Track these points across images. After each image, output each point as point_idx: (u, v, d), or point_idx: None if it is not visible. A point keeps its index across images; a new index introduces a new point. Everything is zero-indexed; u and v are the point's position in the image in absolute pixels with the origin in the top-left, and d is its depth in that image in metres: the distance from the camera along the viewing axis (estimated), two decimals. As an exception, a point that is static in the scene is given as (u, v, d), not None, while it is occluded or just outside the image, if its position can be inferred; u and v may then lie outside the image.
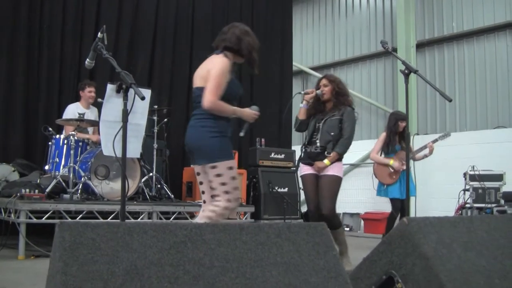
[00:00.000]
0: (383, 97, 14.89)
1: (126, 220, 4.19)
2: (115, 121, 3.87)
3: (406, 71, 5.13)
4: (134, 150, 4.14)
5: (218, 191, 4.71)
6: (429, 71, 13.84)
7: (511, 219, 3.75)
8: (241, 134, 5.07)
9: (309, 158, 6.45)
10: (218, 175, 4.69)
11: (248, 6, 12.84)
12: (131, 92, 3.83)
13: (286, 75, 13.66)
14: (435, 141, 8.62)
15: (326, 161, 6.28)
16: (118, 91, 3.90)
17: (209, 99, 4.60)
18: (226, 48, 4.91)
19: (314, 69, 16.65)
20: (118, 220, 3.88)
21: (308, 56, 17.04)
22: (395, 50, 13.67)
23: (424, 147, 8.42)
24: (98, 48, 4.31)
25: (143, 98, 3.73)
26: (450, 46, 13.50)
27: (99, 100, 7.83)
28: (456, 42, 13.37)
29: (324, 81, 6.60)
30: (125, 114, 3.74)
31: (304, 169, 6.51)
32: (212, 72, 4.67)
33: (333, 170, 6.30)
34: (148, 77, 10.97)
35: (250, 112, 4.99)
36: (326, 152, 6.34)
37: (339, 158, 6.39)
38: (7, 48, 9.31)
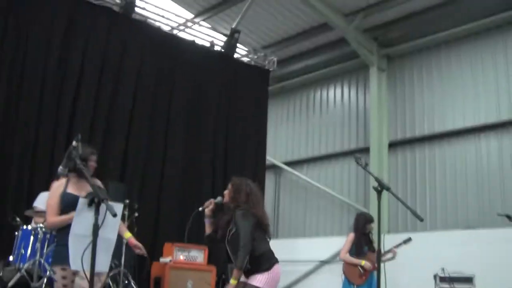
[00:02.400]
0: (355, 194, 14.96)
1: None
2: (85, 235, 3.84)
3: (379, 188, 5.16)
4: (103, 264, 4.10)
5: None
6: (401, 170, 13.99)
7: None
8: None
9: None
10: None
11: (224, 99, 12.94)
12: (103, 206, 3.82)
13: (259, 169, 13.66)
14: (398, 246, 8.74)
15: (232, 280, 5.64)
16: (89, 205, 3.90)
17: (46, 221, 5.56)
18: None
19: (288, 164, 16.75)
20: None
21: (281, 151, 17.15)
22: (368, 148, 13.88)
23: (389, 251, 8.54)
24: (72, 157, 4.34)
25: (115, 215, 3.73)
26: (422, 147, 13.70)
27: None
28: (428, 143, 13.58)
29: (228, 185, 6.18)
30: (96, 228, 3.73)
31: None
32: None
33: (255, 280, 5.65)
34: (121, 167, 10.89)
35: None
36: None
37: (259, 269, 5.70)
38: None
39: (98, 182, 5.46)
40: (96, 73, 10.72)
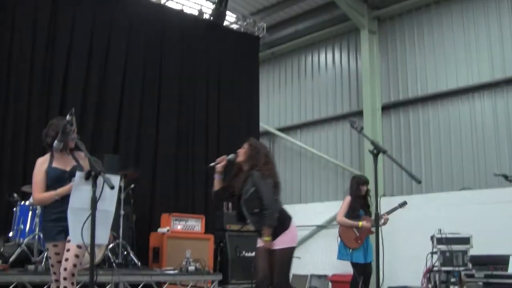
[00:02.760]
0: (350, 158, 14.97)
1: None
2: (83, 208, 3.82)
3: (375, 151, 5.11)
4: (102, 237, 4.08)
5: None
6: (395, 133, 13.98)
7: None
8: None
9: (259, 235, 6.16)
10: None
11: (215, 67, 12.86)
12: (100, 179, 3.79)
13: (253, 136, 13.57)
14: (392, 210, 8.75)
15: (266, 238, 5.96)
16: (87, 178, 3.87)
17: (32, 198, 5.53)
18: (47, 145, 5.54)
19: (281, 130, 16.74)
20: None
21: (274, 118, 17.12)
22: (361, 112, 13.84)
23: (380, 217, 8.53)
24: (66, 131, 4.30)
25: (112, 187, 3.70)
26: (415, 109, 13.68)
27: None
28: (421, 105, 13.56)
29: (244, 145, 6.33)
30: (94, 202, 3.70)
31: (258, 242, 6.21)
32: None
33: (280, 243, 6.04)
34: (114, 140, 10.84)
35: (70, 186, 5.14)
36: (262, 232, 6.03)
37: (282, 227, 6.07)
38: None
39: (82, 155, 5.36)
40: (86, 46, 10.63)
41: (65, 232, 5.17)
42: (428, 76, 13.48)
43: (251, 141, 6.37)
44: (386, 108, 14.16)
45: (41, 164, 5.45)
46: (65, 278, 5.17)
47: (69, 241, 5.17)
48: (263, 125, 15.64)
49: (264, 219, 5.91)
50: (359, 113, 14.32)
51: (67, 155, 5.37)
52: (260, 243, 6.16)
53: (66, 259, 5.20)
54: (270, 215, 5.89)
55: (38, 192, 5.36)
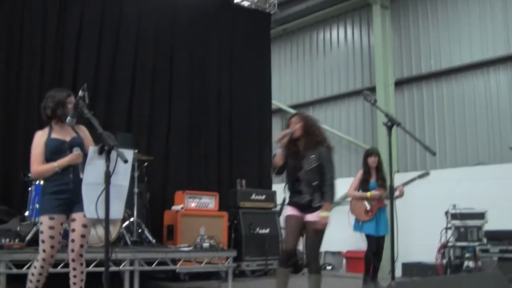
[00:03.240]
0: (363, 134, 14.93)
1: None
2: (97, 183, 3.81)
3: (389, 124, 5.06)
4: (117, 211, 4.08)
5: None
6: (408, 109, 13.91)
7: (498, 276, 3.71)
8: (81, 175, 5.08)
9: (297, 208, 6.26)
10: None
11: (226, 45, 12.79)
12: (114, 153, 3.77)
13: (265, 114, 13.59)
14: (410, 181, 8.69)
15: (325, 213, 6.12)
16: (100, 153, 3.85)
17: (31, 171, 5.34)
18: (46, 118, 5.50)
19: (293, 107, 16.67)
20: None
21: (286, 95, 17.08)
22: (373, 88, 13.75)
23: (395, 189, 8.48)
24: (79, 107, 4.29)
25: (126, 161, 3.68)
26: (428, 84, 13.60)
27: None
28: (435, 80, 13.47)
29: (294, 119, 6.40)
30: (108, 176, 3.69)
31: (289, 210, 6.29)
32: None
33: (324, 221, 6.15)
34: (127, 119, 10.83)
35: (71, 156, 5.19)
36: (313, 203, 6.15)
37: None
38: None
39: (82, 127, 5.43)
40: (97, 24, 10.57)
41: (65, 205, 5.20)
42: (442, 50, 13.37)
43: (301, 115, 6.53)
44: (399, 84, 14.08)
45: (40, 137, 5.36)
46: (73, 260, 5.18)
47: (74, 219, 5.20)
48: (275, 102, 15.60)
49: (326, 195, 6.13)
50: (372, 89, 14.24)
51: (67, 126, 5.29)
52: (292, 211, 6.24)
53: (73, 240, 5.19)
54: (331, 191, 6.17)
55: (37, 164, 5.27)
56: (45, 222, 5.15)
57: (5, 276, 6.47)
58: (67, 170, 5.20)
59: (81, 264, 5.24)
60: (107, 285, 3.95)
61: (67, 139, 5.30)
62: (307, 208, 6.18)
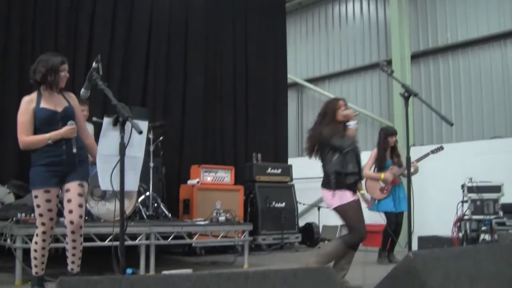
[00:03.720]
0: (379, 108, 14.85)
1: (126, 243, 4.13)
2: (112, 154, 3.79)
3: (406, 94, 5.01)
4: (132, 183, 4.07)
5: None
6: (424, 82, 13.81)
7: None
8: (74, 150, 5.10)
9: (353, 191, 6.21)
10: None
11: (241, 19, 12.76)
12: (128, 125, 3.75)
13: (281, 88, 13.59)
14: (424, 156, 8.67)
15: (362, 191, 6.43)
16: (114, 124, 3.83)
17: (19, 140, 5.04)
18: (34, 82, 5.23)
19: (309, 81, 16.63)
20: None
21: (302, 68, 16.99)
22: (389, 61, 13.64)
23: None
24: (93, 78, 4.26)
25: (140, 132, 3.67)
26: (445, 57, 13.48)
27: (94, 119, 7.78)
28: (451, 53, 13.34)
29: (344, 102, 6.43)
30: (122, 147, 3.67)
31: (350, 195, 6.15)
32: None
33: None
34: (142, 94, 10.87)
35: (66, 130, 5.03)
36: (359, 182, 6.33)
37: None
38: (-1, 68, 9.23)
39: (72, 95, 5.27)
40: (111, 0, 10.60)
41: (59, 177, 5.07)
42: (458, 23, 13.23)
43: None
44: (415, 57, 13.95)
45: (28, 103, 5.07)
46: (73, 232, 5.06)
47: (68, 190, 5.06)
48: (291, 76, 15.58)
49: (361, 174, 6.29)
50: (388, 63, 14.11)
51: (57, 94, 5.09)
52: (353, 196, 6.19)
53: (71, 211, 5.04)
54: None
55: (25, 134, 5.00)
56: (40, 195, 5.00)
57: (21, 250, 6.45)
58: (59, 142, 5.02)
59: (81, 235, 5.14)
60: (122, 259, 3.93)
61: (59, 109, 5.10)
62: (354, 187, 6.22)
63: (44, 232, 5.07)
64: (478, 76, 12.78)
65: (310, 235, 11.88)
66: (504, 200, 10.00)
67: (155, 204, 9.00)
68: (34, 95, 5.12)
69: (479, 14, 12.79)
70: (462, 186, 10.32)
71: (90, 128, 8.38)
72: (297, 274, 2.62)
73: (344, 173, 6.06)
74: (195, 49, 11.72)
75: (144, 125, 3.94)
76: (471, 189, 10.17)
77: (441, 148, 8.88)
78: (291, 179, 11.65)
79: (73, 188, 5.04)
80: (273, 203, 10.86)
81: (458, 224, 10.14)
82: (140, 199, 8.51)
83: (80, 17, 10.13)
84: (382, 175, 8.63)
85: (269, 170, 11.25)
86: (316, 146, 6.28)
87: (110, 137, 3.87)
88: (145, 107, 10.55)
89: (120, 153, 3.67)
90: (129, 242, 7.13)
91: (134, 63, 10.80)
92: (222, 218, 8.60)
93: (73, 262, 5.16)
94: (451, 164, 11.68)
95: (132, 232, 7.38)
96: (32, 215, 6.92)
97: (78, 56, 9.92)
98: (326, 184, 6.14)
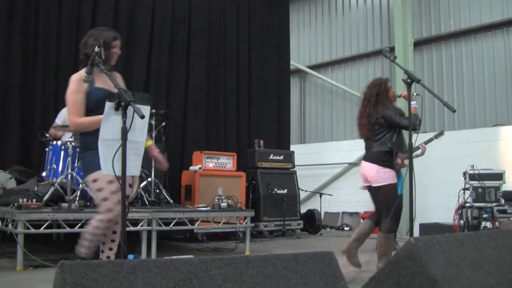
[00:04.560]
0: (381, 95, 14.82)
1: (128, 228, 4.08)
2: (114, 139, 3.76)
3: (409, 81, 5.00)
4: (134, 168, 4.05)
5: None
6: (427, 69, 13.79)
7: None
8: None
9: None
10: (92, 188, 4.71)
11: (244, 6, 12.75)
12: (130, 109, 3.74)
13: (283, 74, 13.59)
14: (428, 141, 8.63)
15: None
16: (116, 109, 3.81)
17: (70, 122, 4.72)
18: (84, 56, 4.82)
19: (312, 67, 16.62)
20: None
21: (305, 55, 16.97)
22: (392, 48, 13.61)
23: (417, 148, 8.39)
24: (95, 63, 4.22)
25: (142, 117, 3.65)
26: (447, 44, 13.45)
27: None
28: (454, 40, 13.31)
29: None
30: (124, 132, 3.66)
31: (393, 177, 6.38)
32: (66, 94, 4.72)
33: None
34: (145, 79, 10.87)
35: None
36: None
37: None
38: (1, 54, 9.20)
39: (119, 77, 4.90)
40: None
41: None
42: (461, 10, 13.19)
43: None
44: (418, 44, 13.92)
45: (80, 82, 4.58)
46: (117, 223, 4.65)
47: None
48: (294, 63, 15.59)
49: None
50: (391, 50, 14.10)
51: (103, 73, 4.50)
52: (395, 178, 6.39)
53: (130, 185, 4.72)
54: None
55: (77, 114, 4.61)
56: (102, 177, 4.46)
57: (22, 235, 6.47)
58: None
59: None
60: (124, 244, 3.91)
61: (114, 90, 4.40)
62: None
63: (109, 220, 4.59)
64: (480, 63, 12.76)
65: (311, 222, 11.90)
66: (505, 187, 10.00)
67: (157, 190, 9.01)
68: (82, 74, 4.57)
69: (482, 1, 12.75)
70: (464, 173, 10.31)
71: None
72: (298, 258, 2.63)
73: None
74: (198, 36, 11.71)
75: (146, 109, 3.92)
76: (472, 177, 10.16)
77: (442, 133, 8.85)
78: (293, 166, 11.65)
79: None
80: (275, 189, 10.86)
81: (460, 211, 10.14)
82: (142, 185, 8.53)
83: (82, 4, 10.11)
84: None
85: (271, 157, 11.25)
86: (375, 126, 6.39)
87: (112, 122, 3.83)
88: (148, 92, 10.55)
89: (122, 137, 3.65)
90: (130, 228, 7.13)
91: (137, 49, 10.80)
92: (224, 204, 8.59)
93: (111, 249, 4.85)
94: (453, 151, 11.70)
95: (133, 217, 7.39)
96: (34, 200, 6.96)
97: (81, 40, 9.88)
98: (381, 162, 6.30)
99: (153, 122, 9.10)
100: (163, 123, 9.47)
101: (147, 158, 4.82)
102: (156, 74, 11.06)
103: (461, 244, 3.24)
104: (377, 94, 6.36)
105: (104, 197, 4.55)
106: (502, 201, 9.81)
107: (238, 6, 12.64)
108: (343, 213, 14.23)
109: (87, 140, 4.67)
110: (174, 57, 11.32)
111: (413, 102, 6.16)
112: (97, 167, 4.29)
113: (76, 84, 4.64)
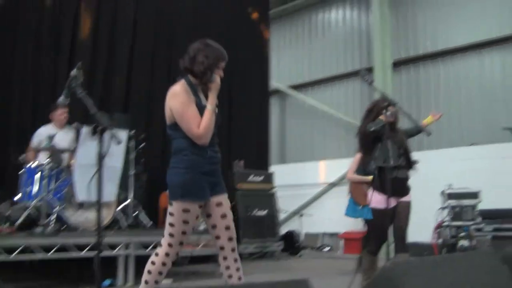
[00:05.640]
0: (361, 115, 14.78)
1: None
2: (90, 164, 3.74)
3: (385, 104, 5.06)
4: (110, 193, 4.05)
5: (165, 231, 4.33)
6: (406, 89, 13.92)
7: (492, 254, 3.72)
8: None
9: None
10: (170, 214, 4.30)
11: (226, 26, 12.75)
12: (107, 134, 3.70)
13: (264, 94, 13.61)
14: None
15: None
16: (93, 134, 3.77)
17: (196, 136, 4.25)
18: (185, 70, 4.49)
19: (292, 88, 16.71)
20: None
21: (285, 75, 17.01)
22: (371, 69, 13.72)
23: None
24: (72, 86, 4.15)
25: (119, 143, 3.63)
26: (426, 65, 13.61)
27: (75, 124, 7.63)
28: (432, 61, 13.48)
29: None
30: (100, 157, 3.63)
31: (378, 201, 6.36)
32: (173, 110, 4.36)
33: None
34: (124, 100, 10.80)
35: (217, 82, 4.48)
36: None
37: None
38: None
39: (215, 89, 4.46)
40: (95, 2, 10.60)
41: (210, 189, 4.37)
42: (438, 32, 13.38)
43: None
44: (396, 64, 14.06)
45: (187, 93, 4.31)
46: (233, 250, 4.45)
47: (220, 203, 4.44)
48: (274, 83, 15.60)
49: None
50: (370, 70, 14.21)
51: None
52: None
53: (228, 227, 4.43)
54: None
55: (198, 126, 4.22)
56: (193, 210, 4.23)
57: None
58: (215, 145, 4.46)
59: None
60: (98, 270, 3.83)
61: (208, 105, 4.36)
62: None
63: (170, 254, 4.35)
64: (457, 84, 12.94)
65: (291, 243, 11.89)
66: (482, 206, 10.07)
67: (136, 212, 8.93)
68: (186, 85, 4.36)
69: (459, 23, 12.97)
70: (442, 192, 10.39)
71: (69, 131, 8.20)
72: (276, 287, 2.61)
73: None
74: (180, 55, 11.62)
75: (123, 134, 3.91)
76: (450, 196, 10.23)
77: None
78: (273, 187, 11.63)
79: (225, 201, 4.46)
80: (255, 211, 10.83)
81: (438, 230, 10.19)
82: (119, 208, 8.43)
83: (63, 18, 10.07)
84: (371, 177, 8.60)
85: (250, 178, 11.21)
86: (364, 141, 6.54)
87: (88, 146, 3.83)
88: (127, 112, 10.47)
89: (98, 163, 3.62)
90: (107, 253, 7.01)
91: (117, 66, 10.73)
92: (202, 227, 8.53)
93: (239, 278, 4.42)
94: (431, 170, 11.73)
95: (111, 242, 7.24)
96: (7, 223, 6.79)
97: (60, 57, 9.84)
98: (372, 183, 6.50)
99: (132, 143, 9.02)
100: (142, 144, 9.42)
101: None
102: (137, 93, 10.98)
103: (438, 266, 3.26)
104: (370, 111, 6.35)
105: (183, 230, 4.27)
106: (479, 219, 9.88)
107: (219, 26, 12.50)
108: (323, 234, 14.22)
109: (193, 160, 4.34)
110: (155, 76, 11.24)
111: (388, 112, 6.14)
112: (194, 196, 4.20)
113: (185, 96, 4.30)
